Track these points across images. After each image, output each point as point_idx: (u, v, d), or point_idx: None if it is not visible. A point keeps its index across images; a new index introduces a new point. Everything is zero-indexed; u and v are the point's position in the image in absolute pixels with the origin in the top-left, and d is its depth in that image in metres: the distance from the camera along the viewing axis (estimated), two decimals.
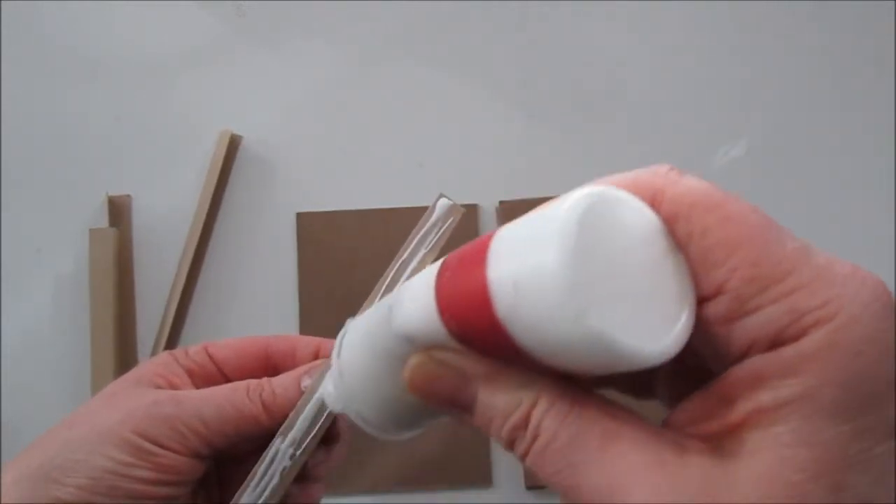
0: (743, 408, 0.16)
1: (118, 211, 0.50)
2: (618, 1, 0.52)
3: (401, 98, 0.51)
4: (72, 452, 0.28)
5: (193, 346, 0.32)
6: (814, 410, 0.15)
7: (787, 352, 0.16)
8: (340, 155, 0.51)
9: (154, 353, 0.48)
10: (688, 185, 0.20)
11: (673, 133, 0.50)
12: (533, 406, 0.18)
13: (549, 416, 0.17)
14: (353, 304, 0.46)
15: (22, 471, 0.30)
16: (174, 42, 0.52)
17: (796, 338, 0.16)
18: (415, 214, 0.49)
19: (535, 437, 0.18)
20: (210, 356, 0.31)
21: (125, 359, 0.48)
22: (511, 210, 0.49)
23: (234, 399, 0.29)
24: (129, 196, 0.50)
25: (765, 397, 0.16)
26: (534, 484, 0.46)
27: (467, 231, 0.50)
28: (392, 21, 0.52)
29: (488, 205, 0.50)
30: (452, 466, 0.47)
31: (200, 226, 0.49)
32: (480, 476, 0.47)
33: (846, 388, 0.15)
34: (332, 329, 0.49)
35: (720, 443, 0.16)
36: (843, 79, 0.51)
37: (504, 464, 0.47)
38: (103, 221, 0.49)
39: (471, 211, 0.50)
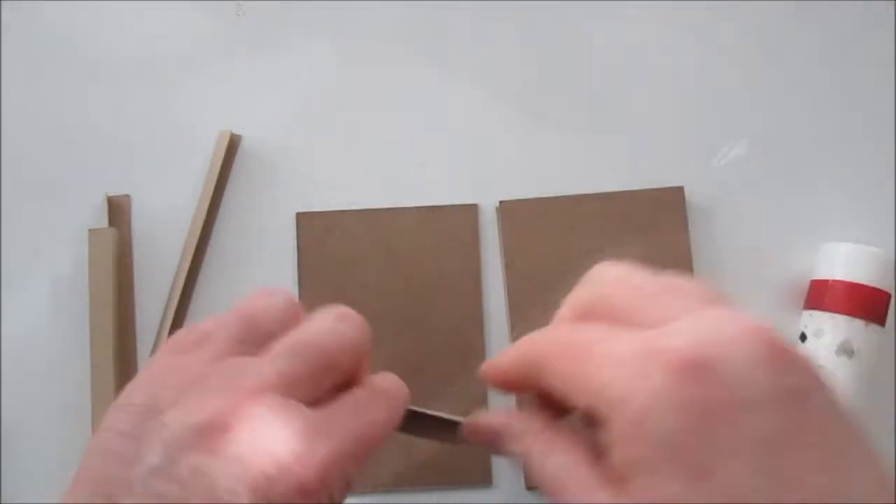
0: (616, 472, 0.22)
1: (117, 211, 0.50)
2: (618, 1, 0.52)
3: (401, 98, 0.51)
4: None
5: None
6: (636, 488, 0.21)
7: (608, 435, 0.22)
8: (340, 155, 0.51)
9: (154, 353, 0.48)
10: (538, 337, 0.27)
11: (673, 133, 0.50)
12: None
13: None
14: (353, 305, 0.46)
15: None
16: (173, 42, 0.52)
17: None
18: (415, 214, 0.49)
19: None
20: None
21: (125, 359, 0.48)
22: (511, 210, 0.49)
23: None
24: (128, 196, 0.50)
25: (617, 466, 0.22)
26: (534, 484, 0.46)
27: (467, 231, 0.50)
28: (392, 21, 0.52)
29: (488, 205, 0.50)
30: (452, 466, 0.47)
31: (200, 226, 0.49)
32: (480, 476, 0.47)
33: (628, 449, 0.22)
34: None
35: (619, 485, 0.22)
36: (844, 78, 0.51)
37: (504, 464, 0.47)
38: (103, 222, 0.49)
39: (471, 211, 0.50)
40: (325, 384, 0.26)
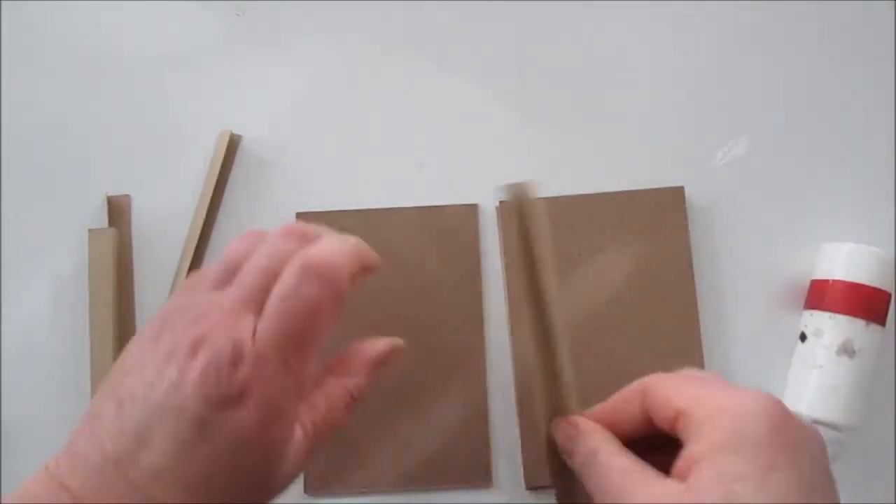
0: (686, 463, 0.29)
1: (117, 211, 0.50)
2: (618, 1, 0.52)
3: (401, 98, 0.51)
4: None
5: None
6: (714, 460, 0.28)
7: (695, 435, 0.29)
8: (340, 155, 0.51)
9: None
10: (650, 380, 0.33)
11: (674, 132, 0.50)
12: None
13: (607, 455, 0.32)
14: (352, 305, 0.46)
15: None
16: (173, 42, 0.52)
17: (699, 428, 0.29)
18: (415, 214, 0.49)
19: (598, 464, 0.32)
20: None
21: None
22: (511, 210, 0.49)
23: None
24: (128, 196, 0.50)
25: (691, 454, 0.29)
26: (534, 484, 0.46)
27: (467, 231, 0.50)
28: (392, 21, 0.52)
29: (488, 204, 0.50)
30: (452, 466, 0.47)
31: (200, 226, 0.49)
32: (480, 476, 0.47)
33: (728, 449, 0.28)
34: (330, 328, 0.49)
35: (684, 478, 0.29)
36: (843, 78, 0.51)
37: (504, 464, 0.47)
38: (102, 221, 0.49)
39: (471, 211, 0.50)
40: (269, 289, 0.32)
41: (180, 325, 0.31)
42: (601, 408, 0.35)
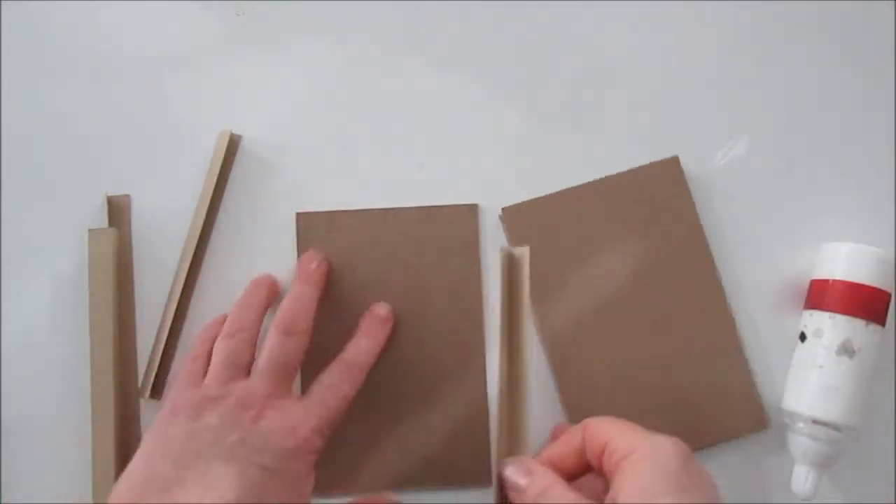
0: (614, 494, 0.35)
1: (117, 211, 0.50)
2: (619, 1, 0.52)
3: (401, 98, 0.51)
4: None
5: None
6: (638, 485, 0.34)
7: (619, 469, 0.35)
8: (340, 155, 0.51)
9: (153, 353, 0.48)
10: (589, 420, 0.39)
11: (675, 132, 0.50)
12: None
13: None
14: (352, 304, 0.46)
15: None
16: (173, 42, 0.52)
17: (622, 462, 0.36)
18: (415, 214, 0.49)
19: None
20: None
21: (125, 359, 0.48)
22: (514, 215, 0.49)
23: None
24: (128, 196, 0.50)
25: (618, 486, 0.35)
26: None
27: (467, 231, 0.50)
28: (393, 21, 0.52)
29: (488, 204, 0.50)
30: (452, 466, 0.47)
31: (200, 226, 0.49)
32: (480, 476, 0.47)
33: (648, 475, 0.34)
34: (330, 327, 0.49)
35: None
36: (844, 78, 0.51)
37: None
38: (102, 221, 0.49)
39: (471, 211, 0.50)
40: (296, 368, 0.44)
41: (226, 406, 0.41)
42: (546, 451, 0.40)
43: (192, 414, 0.41)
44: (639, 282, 0.48)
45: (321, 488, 0.46)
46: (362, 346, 0.46)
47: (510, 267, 0.42)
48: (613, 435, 0.37)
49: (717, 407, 0.47)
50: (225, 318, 0.46)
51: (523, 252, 0.41)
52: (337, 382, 0.44)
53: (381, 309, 0.48)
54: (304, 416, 0.42)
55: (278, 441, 0.40)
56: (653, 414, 0.46)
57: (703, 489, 0.35)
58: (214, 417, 0.40)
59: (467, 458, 0.47)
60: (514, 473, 0.39)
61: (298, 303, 0.45)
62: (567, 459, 0.39)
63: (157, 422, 0.42)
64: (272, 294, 0.48)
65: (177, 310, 0.48)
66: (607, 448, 0.37)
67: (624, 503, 0.34)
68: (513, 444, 0.40)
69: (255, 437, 0.40)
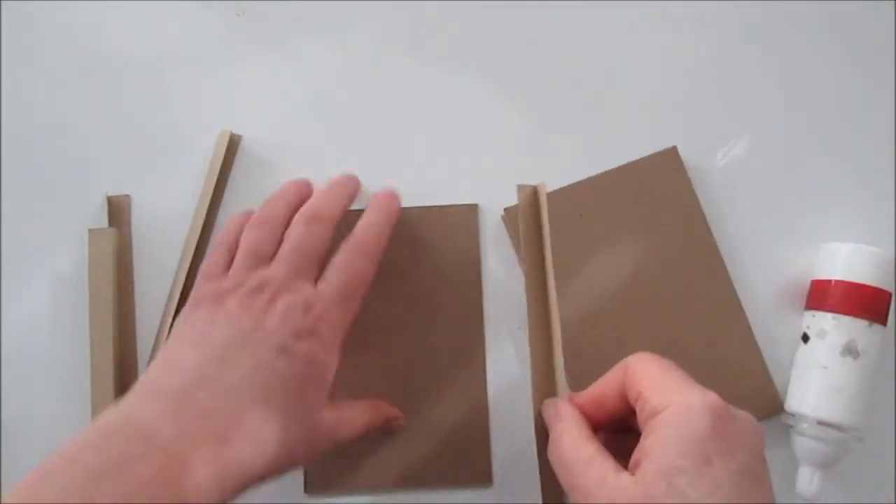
0: (639, 455, 0.33)
1: (117, 211, 0.50)
2: (619, 1, 0.52)
3: (401, 98, 0.51)
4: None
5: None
6: (660, 454, 0.32)
7: (648, 428, 0.33)
8: (340, 155, 0.51)
9: (153, 353, 0.48)
10: (632, 358, 0.37)
11: (675, 132, 0.50)
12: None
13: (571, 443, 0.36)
14: None
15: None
16: (173, 42, 0.52)
17: (651, 421, 0.33)
18: (415, 214, 0.49)
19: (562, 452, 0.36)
20: None
21: (125, 359, 0.48)
22: (515, 216, 0.49)
23: None
24: (128, 196, 0.50)
25: (644, 447, 0.33)
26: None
27: (468, 230, 0.50)
28: (393, 21, 0.52)
29: (488, 204, 0.50)
30: (452, 466, 0.47)
31: (200, 226, 0.49)
32: (480, 476, 0.47)
33: (672, 444, 0.32)
34: None
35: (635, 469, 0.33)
36: (844, 78, 0.51)
37: (504, 464, 0.47)
38: (102, 222, 0.49)
39: (471, 211, 0.50)
40: (319, 257, 0.43)
41: (242, 293, 0.40)
42: (589, 390, 0.38)
43: (213, 303, 0.40)
44: (645, 271, 0.48)
45: (320, 488, 0.46)
46: (370, 220, 0.44)
47: (529, 204, 0.42)
48: (648, 385, 0.34)
49: (730, 393, 0.47)
50: (252, 213, 0.45)
51: (541, 187, 0.42)
52: (350, 258, 0.42)
53: (387, 188, 0.47)
54: (319, 294, 0.40)
55: (294, 320, 0.39)
56: None
57: (734, 453, 0.32)
58: (233, 303, 0.40)
59: (467, 458, 0.47)
60: (546, 416, 0.38)
61: (326, 199, 0.44)
62: (609, 401, 0.37)
63: (181, 316, 0.42)
64: (305, 193, 0.46)
65: (177, 310, 0.48)
66: (640, 399, 0.34)
67: (644, 473, 0.32)
68: (548, 384, 0.40)
69: (270, 317, 0.39)
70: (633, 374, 0.36)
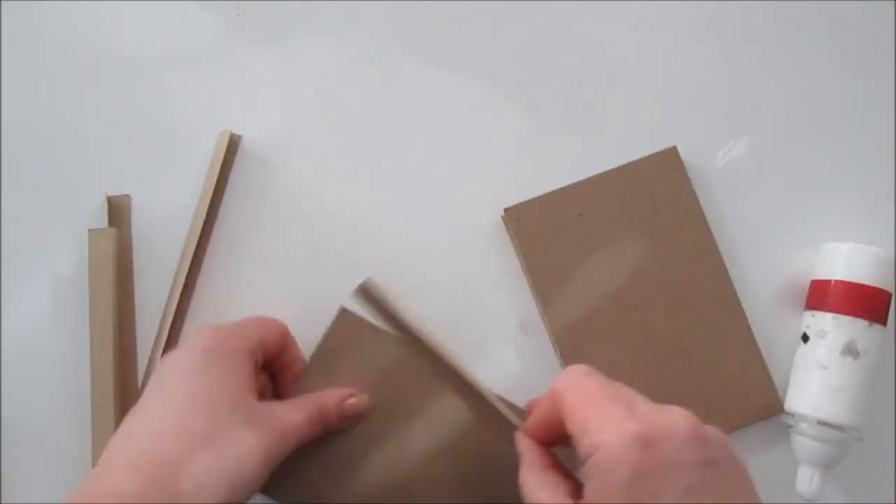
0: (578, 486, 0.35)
1: (117, 211, 0.50)
2: (619, 1, 0.52)
3: (401, 98, 0.51)
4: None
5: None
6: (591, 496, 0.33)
7: (584, 472, 0.34)
8: (340, 155, 0.51)
9: (153, 353, 0.48)
10: (557, 386, 0.37)
11: (675, 132, 0.50)
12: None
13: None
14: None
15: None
16: (173, 42, 0.52)
17: (585, 466, 0.34)
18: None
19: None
20: None
21: (125, 359, 0.48)
22: (517, 214, 0.49)
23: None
24: (128, 196, 0.50)
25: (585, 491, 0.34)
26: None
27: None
28: (393, 21, 0.52)
29: (489, 204, 0.50)
30: None
31: (200, 226, 0.49)
32: None
33: (604, 493, 0.33)
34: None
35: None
36: (844, 79, 0.51)
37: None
38: (102, 221, 0.49)
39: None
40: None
41: None
42: (534, 418, 0.40)
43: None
44: (646, 271, 0.48)
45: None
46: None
47: (375, 300, 0.43)
48: (576, 422, 0.35)
49: (730, 392, 0.47)
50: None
51: (373, 281, 0.42)
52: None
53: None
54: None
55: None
56: (666, 403, 0.46)
57: (666, 483, 0.32)
58: None
59: None
60: (518, 444, 0.40)
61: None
62: (557, 424, 0.37)
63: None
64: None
65: (177, 310, 0.48)
66: (573, 436, 0.35)
67: None
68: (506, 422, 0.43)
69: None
70: (561, 407, 0.36)
